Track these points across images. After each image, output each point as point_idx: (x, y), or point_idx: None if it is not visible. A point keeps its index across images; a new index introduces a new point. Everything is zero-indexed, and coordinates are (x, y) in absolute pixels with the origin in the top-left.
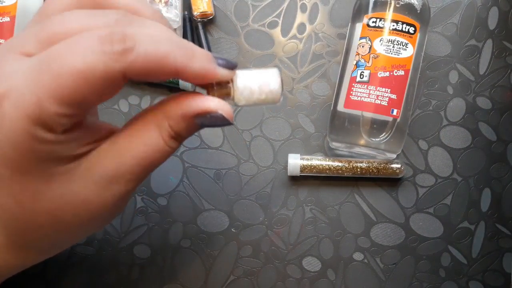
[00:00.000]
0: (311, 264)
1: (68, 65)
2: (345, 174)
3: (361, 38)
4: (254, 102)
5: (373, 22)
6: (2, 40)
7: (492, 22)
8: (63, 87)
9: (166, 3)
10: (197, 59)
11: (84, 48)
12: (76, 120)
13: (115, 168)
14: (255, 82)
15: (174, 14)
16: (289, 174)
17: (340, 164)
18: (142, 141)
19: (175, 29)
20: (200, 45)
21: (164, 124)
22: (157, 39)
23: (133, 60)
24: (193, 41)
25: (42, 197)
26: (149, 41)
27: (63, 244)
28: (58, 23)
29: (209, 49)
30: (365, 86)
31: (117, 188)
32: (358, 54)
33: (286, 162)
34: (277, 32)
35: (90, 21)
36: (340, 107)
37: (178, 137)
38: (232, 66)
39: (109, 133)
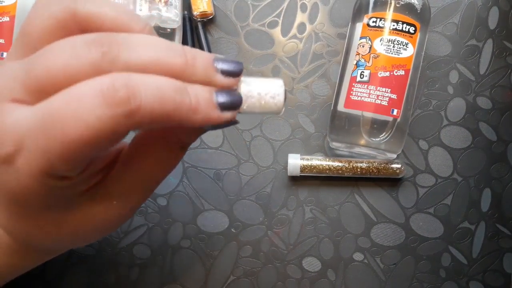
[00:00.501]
0: (311, 264)
1: (72, 134)
2: (345, 174)
3: (361, 38)
4: (256, 111)
5: (373, 22)
6: (1, 40)
7: (493, 22)
8: (71, 152)
9: (166, 3)
10: (201, 109)
11: (87, 111)
12: (86, 166)
13: (132, 187)
14: (260, 91)
15: (174, 14)
16: (289, 174)
17: (340, 164)
18: (154, 160)
19: (174, 29)
20: (200, 45)
21: (173, 138)
22: (161, 94)
23: (138, 120)
24: (193, 41)
25: (65, 224)
26: (153, 97)
27: (72, 247)
28: (42, 70)
29: (209, 49)
30: (365, 86)
31: (134, 201)
32: (358, 54)
33: (286, 162)
34: (277, 32)
35: (75, 62)
36: (340, 107)
37: (186, 146)
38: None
39: (118, 152)
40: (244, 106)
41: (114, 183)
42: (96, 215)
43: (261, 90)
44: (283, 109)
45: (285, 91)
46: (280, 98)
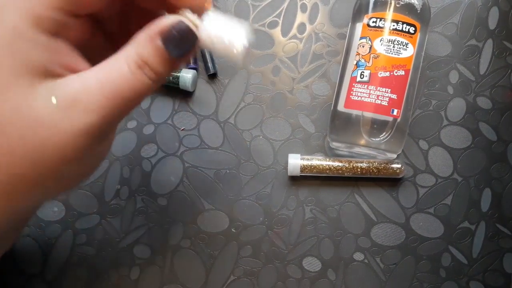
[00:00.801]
0: (311, 264)
1: None
2: (345, 174)
3: (361, 38)
4: (212, 48)
5: (373, 22)
6: None
7: (493, 22)
8: None
9: None
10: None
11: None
12: (65, 24)
13: (76, 91)
14: (222, 30)
15: None
16: (289, 174)
17: (340, 164)
18: (108, 69)
19: None
20: None
21: (131, 52)
22: None
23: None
24: None
25: (19, 114)
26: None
27: (43, 188)
28: None
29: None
30: (366, 86)
31: (77, 117)
32: (359, 54)
33: (286, 162)
34: (277, 32)
35: None
36: (340, 107)
37: (146, 66)
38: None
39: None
40: (203, 38)
41: (63, 82)
42: (38, 117)
43: (224, 30)
44: (242, 58)
45: (248, 40)
46: (240, 47)
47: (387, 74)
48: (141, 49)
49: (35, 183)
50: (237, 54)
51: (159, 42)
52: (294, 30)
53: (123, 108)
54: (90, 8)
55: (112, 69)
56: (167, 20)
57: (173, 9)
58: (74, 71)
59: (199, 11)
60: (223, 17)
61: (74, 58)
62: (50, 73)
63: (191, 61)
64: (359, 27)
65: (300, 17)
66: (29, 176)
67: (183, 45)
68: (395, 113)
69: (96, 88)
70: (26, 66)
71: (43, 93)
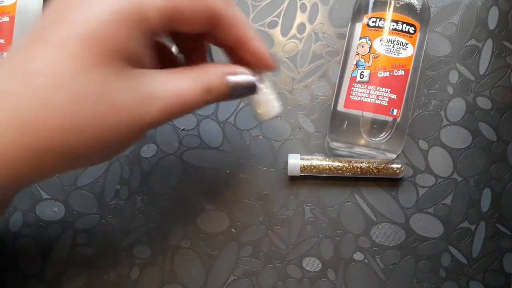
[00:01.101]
0: (311, 264)
1: None
2: (345, 174)
3: (361, 38)
4: (255, 104)
5: (373, 22)
6: (1, 40)
7: (492, 22)
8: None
9: None
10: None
11: None
12: (165, 33)
13: (156, 90)
14: (269, 95)
15: None
16: (289, 174)
17: (340, 164)
18: (184, 80)
19: None
20: None
21: (204, 78)
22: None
23: None
24: None
25: (103, 92)
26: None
27: (83, 153)
28: None
29: (209, 48)
30: (365, 86)
31: (150, 111)
32: (358, 54)
33: (286, 162)
34: (277, 32)
35: None
36: (340, 107)
37: (210, 92)
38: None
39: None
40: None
41: (148, 76)
42: (120, 101)
43: (266, 100)
44: (268, 118)
45: (278, 112)
46: (273, 111)
47: (387, 74)
48: (213, 79)
49: (86, 156)
50: (270, 117)
51: (228, 81)
52: (293, 30)
53: (178, 116)
54: (186, 29)
55: (188, 84)
56: (242, 70)
57: (236, 53)
58: (150, 66)
59: (263, 71)
60: (270, 84)
61: (152, 54)
62: (139, 64)
63: None
64: (358, 27)
65: (300, 17)
66: (83, 148)
67: (243, 92)
68: (395, 113)
69: (172, 94)
70: (123, 54)
71: (130, 81)
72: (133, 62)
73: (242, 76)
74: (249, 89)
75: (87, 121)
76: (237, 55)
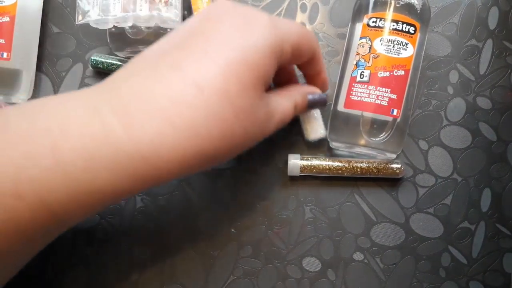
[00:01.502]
0: (311, 264)
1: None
2: (345, 174)
3: (361, 38)
4: (307, 121)
5: (373, 22)
6: (2, 40)
7: (492, 22)
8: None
9: (166, 3)
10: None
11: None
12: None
13: (273, 108)
14: (314, 121)
15: (174, 14)
16: (289, 174)
17: (340, 164)
18: (283, 100)
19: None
20: None
21: (294, 97)
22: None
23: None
24: None
25: (253, 109)
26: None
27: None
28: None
29: None
30: (365, 86)
31: (270, 125)
32: (358, 54)
33: (286, 162)
34: None
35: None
36: (340, 107)
37: (296, 107)
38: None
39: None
40: (309, 115)
41: (271, 98)
42: (260, 116)
43: (316, 125)
44: (315, 138)
45: (322, 135)
46: (320, 135)
47: (387, 74)
48: (298, 98)
49: (225, 159)
50: (315, 136)
51: (309, 99)
52: None
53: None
54: (296, 61)
55: (287, 103)
56: (315, 89)
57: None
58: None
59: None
60: (319, 118)
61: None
62: (266, 88)
63: None
64: (359, 27)
65: (300, 17)
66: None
67: (316, 106)
68: (395, 113)
69: (282, 111)
70: (264, 79)
71: (263, 100)
72: (266, 85)
73: (316, 95)
74: (321, 103)
75: (240, 131)
76: (312, 79)
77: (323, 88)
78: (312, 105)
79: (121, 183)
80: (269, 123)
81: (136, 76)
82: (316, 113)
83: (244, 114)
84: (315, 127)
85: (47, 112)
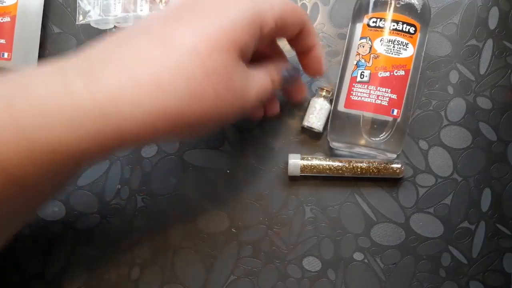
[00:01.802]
0: (311, 264)
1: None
2: (345, 174)
3: (361, 38)
4: (309, 112)
5: (373, 22)
6: (2, 40)
7: (493, 22)
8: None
9: (166, 3)
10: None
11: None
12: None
13: (251, 79)
14: (311, 114)
15: None
16: (289, 174)
17: (340, 164)
18: (263, 77)
19: None
20: None
21: (271, 72)
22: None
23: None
24: None
25: (228, 70)
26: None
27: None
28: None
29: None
30: (366, 86)
31: (250, 94)
32: (359, 54)
33: (286, 162)
34: None
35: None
36: (341, 107)
37: (273, 82)
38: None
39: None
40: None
41: (250, 72)
42: (256, 78)
43: (315, 115)
44: (307, 126)
45: (318, 128)
46: (312, 125)
47: (387, 74)
48: (274, 73)
49: (200, 125)
50: (307, 125)
51: (282, 73)
52: None
53: (260, 101)
54: (282, 35)
55: (265, 76)
56: (289, 65)
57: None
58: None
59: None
60: (322, 108)
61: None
62: (244, 58)
63: None
64: (359, 27)
65: None
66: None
67: (291, 81)
68: (395, 113)
69: (261, 83)
70: (240, 47)
71: (240, 69)
72: (243, 55)
73: (290, 70)
74: (294, 79)
75: (211, 92)
76: (304, 58)
77: (317, 68)
78: (286, 80)
79: (77, 141)
80: (246, 93)
81: (109, 44)
82: (319, 105)
83: (216, 75)
84: (310, 116)
85: (16, 73)
